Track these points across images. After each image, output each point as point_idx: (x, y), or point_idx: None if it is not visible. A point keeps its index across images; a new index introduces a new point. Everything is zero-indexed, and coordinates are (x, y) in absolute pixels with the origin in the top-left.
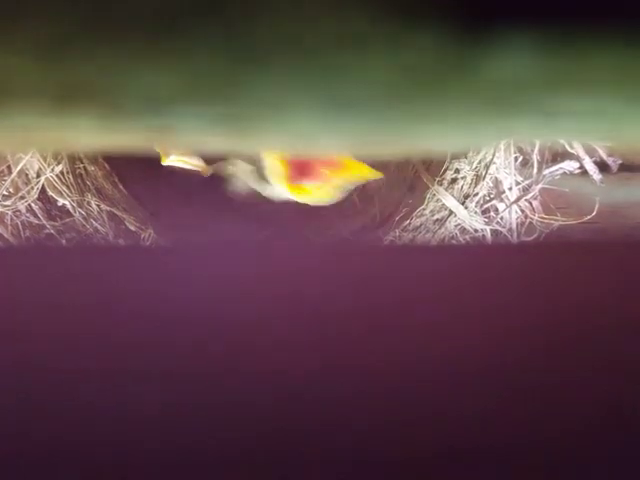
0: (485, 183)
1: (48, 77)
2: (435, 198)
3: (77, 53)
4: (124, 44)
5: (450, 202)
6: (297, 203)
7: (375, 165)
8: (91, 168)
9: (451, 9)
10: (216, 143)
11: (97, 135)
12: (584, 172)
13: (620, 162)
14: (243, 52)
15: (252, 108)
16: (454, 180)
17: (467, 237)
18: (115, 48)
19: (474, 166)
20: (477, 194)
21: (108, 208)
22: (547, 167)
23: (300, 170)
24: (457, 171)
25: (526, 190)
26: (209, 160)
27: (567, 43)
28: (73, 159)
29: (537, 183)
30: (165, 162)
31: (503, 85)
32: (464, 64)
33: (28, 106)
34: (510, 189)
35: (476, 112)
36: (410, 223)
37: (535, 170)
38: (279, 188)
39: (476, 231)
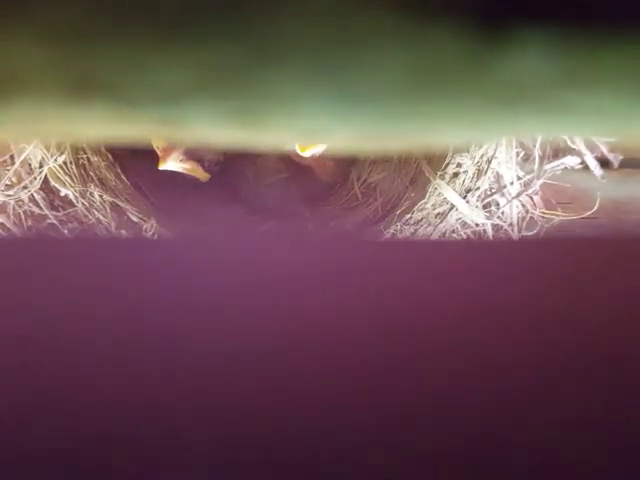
0: (487, 177)
1: (60, 69)
2: (437, 192)
3: (90, 45)
4: (139, 38)
5: (452, 196)
6: (299, 197)
7: (379, 157)
8: (94, 159)
9: (468, 9)
10: (227, 136)
11: (108, 126)
12: (585, 167)
13: (621, 158)
14: (258, 48)
15: (265, 102)
16: (456, 174)
17: (468, 231)
18: (130, 42)
19: (476, 160)
20: (479, 188)
21: (111, 199)
22: (548, 162)
23: None
24: (459, 165)
25: (527, 185)
26: (207, 167)
27: (579, 45)
28: (76, 149)
29: (538, 178)
30: (162, 167)
31: (516, 84)
32: (479, 64)
33: (39, 96)
34: (512, 184)
35: (487, 110)
36: (412, 217)
37: (536, 165)
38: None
39: (477, 225)
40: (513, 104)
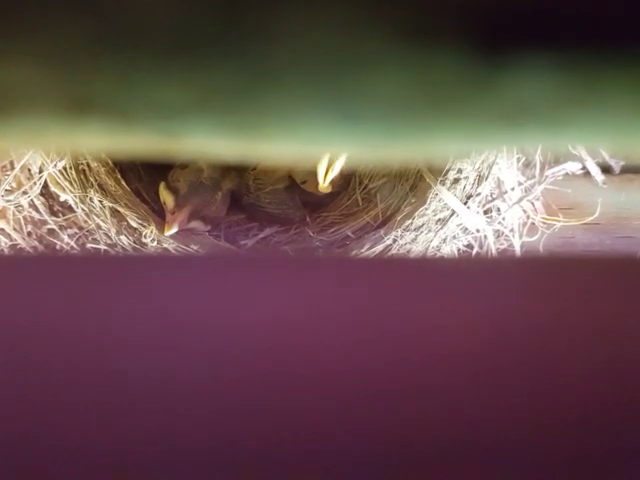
0: (487, 183)
1: (59, 86)
2: (437, 198)
3: (89, 65)
4: (137, 59)
5: (452, 202)
6: (300, 203)
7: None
8: (94, 164)
9: (469, 29)
10: (226, 148)
11: (108, 140)
12: (587, 173)
13: (623, 163)
14: (256, 68)
15: (264, 117)
16: (457, 180)
17: (469, 237)
18: (128, 62)
19: (477, 166)
20: (479, 194)
21: (110, 204)
22: (550, 168)
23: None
24: (460, 171)
25: (528, 191)
26: (210, 222)
27: (578, 66)
28: (76, 155)
29: (539, 184)
30: (167, 233)
31: (516, 102)
32: (479, 83)
33: (39, 112)
34: (512, 189)
35: (487, 127)
36: (412, 222)
37: (538, 171)
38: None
39: (478, 231)
40: (513, 120)
